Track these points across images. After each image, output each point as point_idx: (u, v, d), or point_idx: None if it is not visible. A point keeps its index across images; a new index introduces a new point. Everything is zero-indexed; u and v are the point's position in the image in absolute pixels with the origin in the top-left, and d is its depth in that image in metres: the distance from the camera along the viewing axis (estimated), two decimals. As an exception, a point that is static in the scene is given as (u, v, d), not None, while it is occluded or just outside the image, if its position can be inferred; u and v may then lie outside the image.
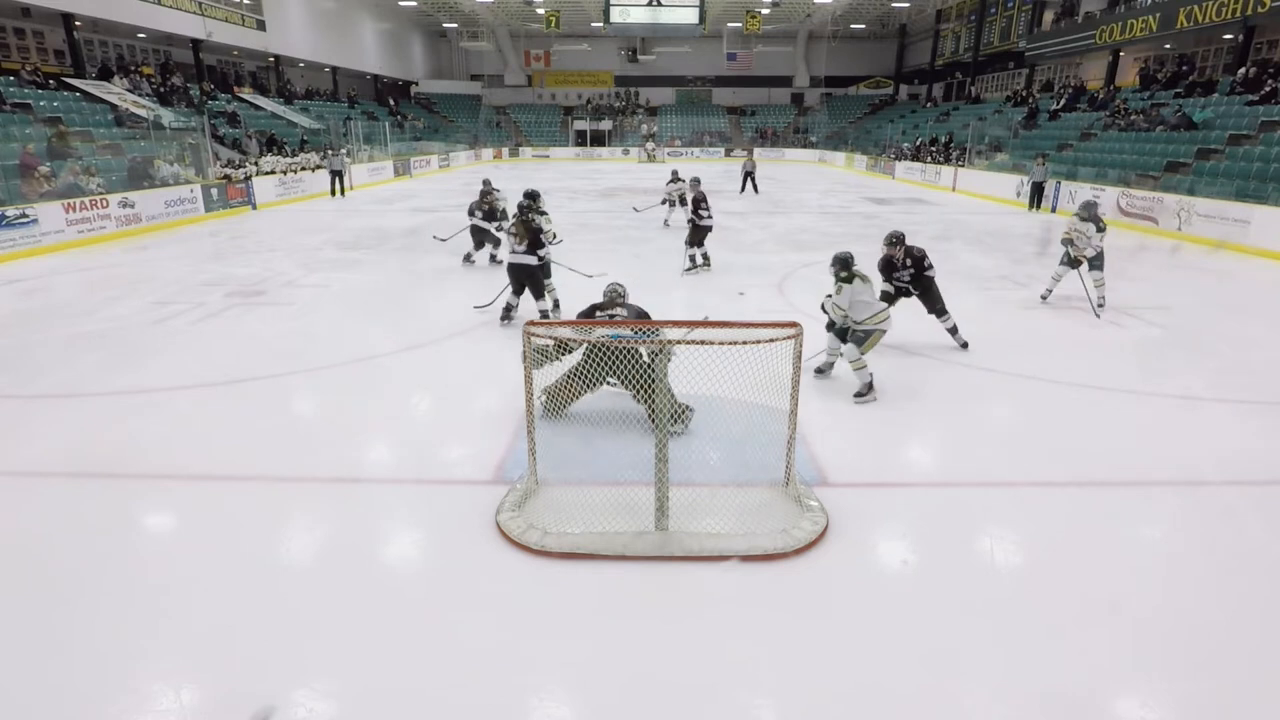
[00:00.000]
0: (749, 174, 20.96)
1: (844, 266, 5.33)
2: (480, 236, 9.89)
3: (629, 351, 4.06)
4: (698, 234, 9.80)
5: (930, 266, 6.17)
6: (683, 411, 4.49)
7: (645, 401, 4.30)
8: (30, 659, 2.76)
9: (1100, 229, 7.49)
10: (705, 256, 9.94)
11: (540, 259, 6.68)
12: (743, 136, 40.49)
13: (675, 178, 14.56)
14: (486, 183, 9.85)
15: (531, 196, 7.18)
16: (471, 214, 9.84)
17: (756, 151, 38.41)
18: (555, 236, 7.63)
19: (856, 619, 3.02)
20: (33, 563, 3.36)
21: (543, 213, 7.78)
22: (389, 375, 5.88)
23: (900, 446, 4.56)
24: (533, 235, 6.59)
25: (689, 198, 9.85)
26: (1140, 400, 5.36)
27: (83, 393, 5.42)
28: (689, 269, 9.79)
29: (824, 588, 3.21)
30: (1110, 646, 2.85)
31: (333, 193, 19.60)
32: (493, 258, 10.19)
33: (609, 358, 4.15)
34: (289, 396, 5.49)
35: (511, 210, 8.56)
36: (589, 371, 4.41)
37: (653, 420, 4.25)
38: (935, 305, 6.27)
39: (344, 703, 2.57)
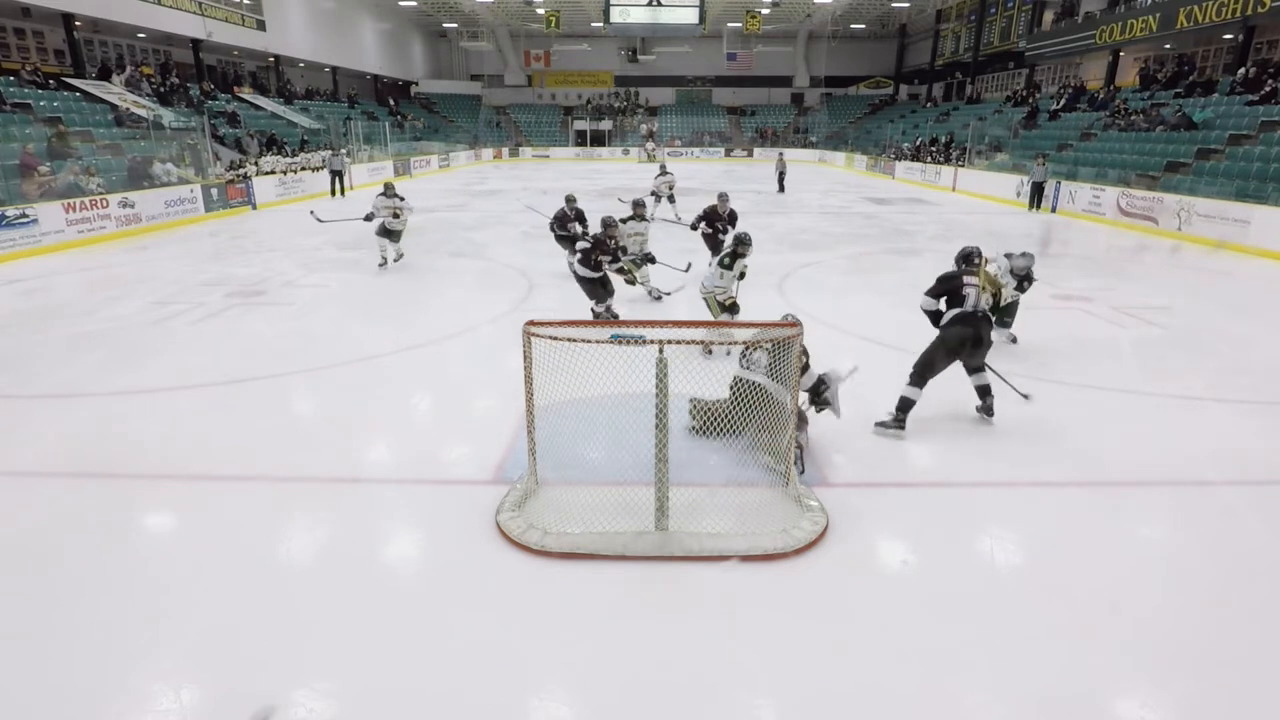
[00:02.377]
0: (782, 174, 21.80)
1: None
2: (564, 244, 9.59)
3: (766, 396, 4.07)
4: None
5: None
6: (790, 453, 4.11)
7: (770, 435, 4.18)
8: (30, 659, 2.76)
9: (1022, 289, 6.45)
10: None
11: (593, 272, 6.78)
12: (743, 136, 40.49)
13: (664, 170, 14.53)
14: (569, 197, 9.48)
15: (608, 227, 6.94)
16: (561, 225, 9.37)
17: (757, 151, 38.51)
18: (631, 262, 7.54)
19: (856, 619, 3.03)
20: (32, 563, 3.36)
21: (643, 217, 8.06)
22: (389, 375, 5.88)
23: (900, 446, 4.56)
24: (600, 250, 6.81)
25: (723, 213, 9.15)
26: (1140, 400, 5.36)
27: (83, 393, 5.42)
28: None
29: (824, 588, 3.21)
30: (1110, 646, 2.85)
31: (333, 193, 19.61)
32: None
33: (752, 401, 4.01)
34: (289, 396, 5.49)
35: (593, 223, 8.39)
36: (737, 412, 4.13)
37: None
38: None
39: (344, 703, 2.57)
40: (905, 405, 4.71)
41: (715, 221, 9.14)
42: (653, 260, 7.69)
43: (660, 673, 2.72)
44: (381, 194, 9.93)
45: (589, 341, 3.40)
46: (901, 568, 3.42)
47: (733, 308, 6.19)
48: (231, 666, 2.72)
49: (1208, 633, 2.94)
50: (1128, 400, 5.35)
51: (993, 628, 2.96)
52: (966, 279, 4.80)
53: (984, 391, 4.90)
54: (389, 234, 9.84)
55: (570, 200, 9.31)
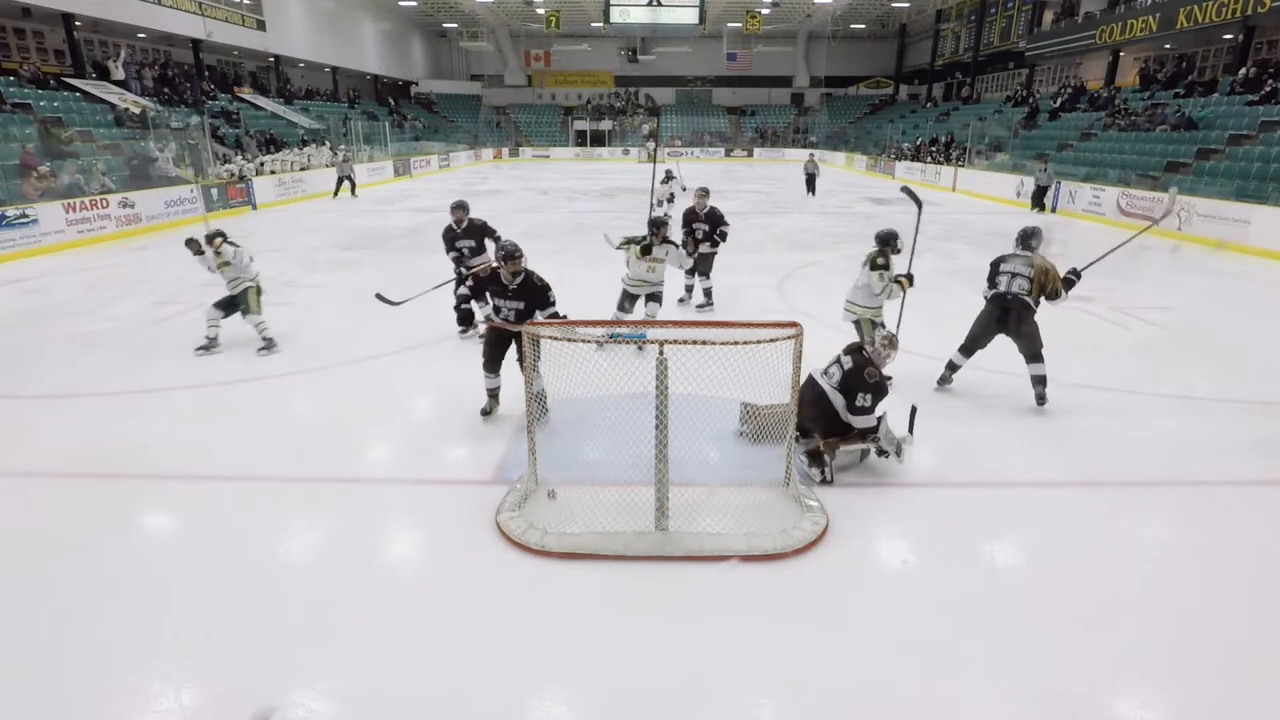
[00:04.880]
0: (811, 176, 20.56)
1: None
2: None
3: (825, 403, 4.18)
4: (701, 262, 7.61)
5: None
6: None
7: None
8: (30, 659, 2.76)
9: None
10: (707, 293, 7.84)
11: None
12: (743, 137, 40.48)
13: (669, 176, 14.20)
14: (458, 205, 6.85)
15: (508, 258, 4.71)
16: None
17: (758, 151, 38.41)
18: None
19: (856, 619, 3.03)
20: (32, 563, 3.36)
21: (667, 239, 6.03)
22: (389, 375, 5.87)
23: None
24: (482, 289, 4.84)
25: (700, 212, 7.61)
26: (1140, 400, 5.36)
27: (83, 393, 5.42)
28: (684, 300, 8.07)
29: (824, 588, 3.21)
30: (1110, 646, 2.85)
31: (336, 193, 19.55)
32: None
33: (815, 406, 4.18)
34: (289, 396, 5.49)
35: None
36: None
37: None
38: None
39: (344, 703, 2.57)
40: (950, 365, 5.34)
41: (692, 222, 7.59)
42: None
43: (660, 673, 2.72)
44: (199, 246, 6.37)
45: (589, 341, 3.41)
46: (901, 568, 3.42)
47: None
48: (231, 666, 2.72)
49: (1207, 633, 2.94)
50: (1128, 400, 5.36)
51: (992, 627, 2.96)
52: (1002, 266, 5.11)
53: (1036, 381, 5.09)
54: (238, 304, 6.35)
55: (458, 208, 6.74)
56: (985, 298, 5.20)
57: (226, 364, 6.05)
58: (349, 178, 19.73)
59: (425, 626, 2.95)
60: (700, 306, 7.80)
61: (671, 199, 14.10)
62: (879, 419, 4.16)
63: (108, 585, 3.19)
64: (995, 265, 5.18)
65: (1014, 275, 4.99)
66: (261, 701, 2.53)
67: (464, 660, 2.77)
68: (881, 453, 4.21)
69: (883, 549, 3.56)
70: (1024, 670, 2.73)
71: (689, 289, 8.02)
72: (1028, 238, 5.14)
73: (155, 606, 3.05)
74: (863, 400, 4.08)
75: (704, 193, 7.69)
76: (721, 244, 7.58)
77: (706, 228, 7.47)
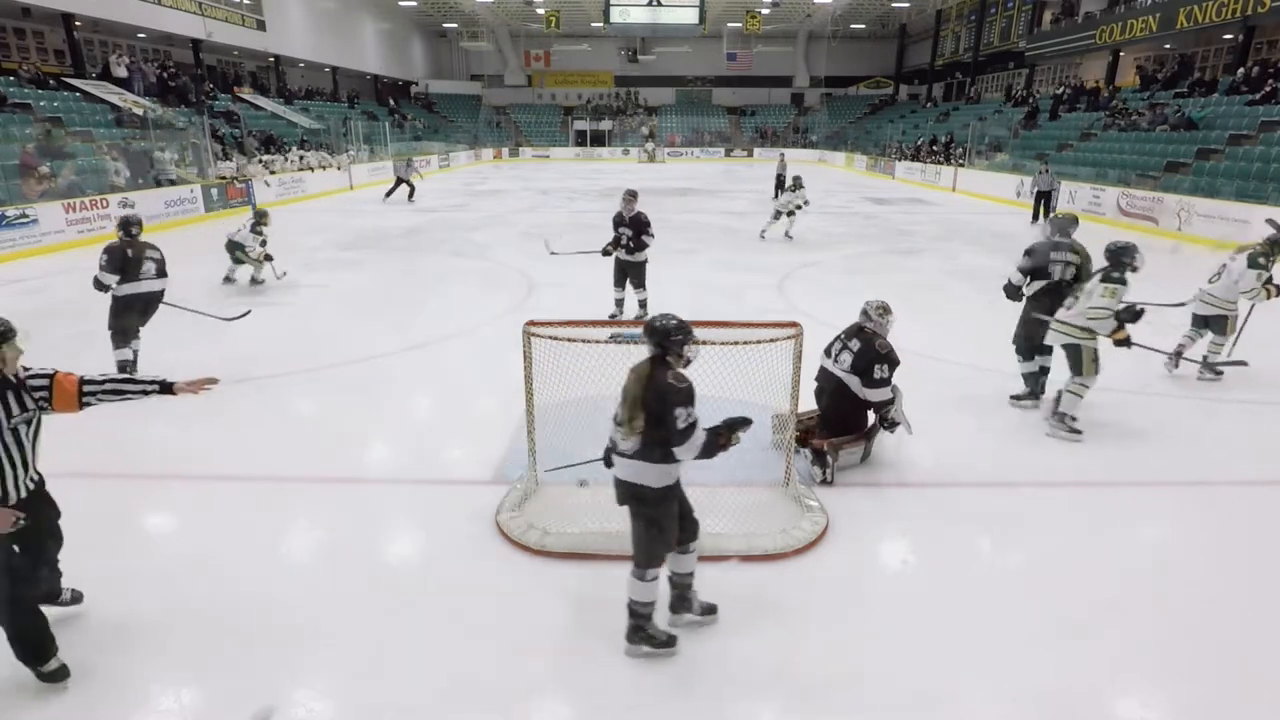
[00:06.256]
0: (781, 178, 18.21)
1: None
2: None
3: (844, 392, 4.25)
4: (632, 271, 7.10)
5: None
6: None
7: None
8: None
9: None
10: (641, 304, 7.20)
11: None
12: (743, 137, 40.48)
13: (798, 184, 13.07)
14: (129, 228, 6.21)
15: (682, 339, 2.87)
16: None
17: (757, 151, 38.38)
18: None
19: (856, 619, 3.03)
20: (33, 563, 3.36)
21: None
22: (389, 375, 5.88)
23: (900, 447, 4.55)
24: None
25: (626, 216, 6.92)
26: (1141, 400, 5.36)
27: (83, 393, 5.40)
28: (615, 315, 7.27)
29: (824, 588, 3.21)
30: (1109, 647, 2.86)
31: (410, 196, 18.88)
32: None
33: (829, 394, 4.33)
34: (289, 396, 5.49)
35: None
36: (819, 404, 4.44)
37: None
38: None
39: (344, 703, 2.57)
40: (1030, 378, 5.23)
41: (619, 226, 6.95)
42: None
43: (660, 672, 2.73)
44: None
45: (589, 341, 3.41)
46: (901, 568, 3.43)
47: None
48: (232, 666, 2.72)
49: (1207, 633, 2.94)
50: (1128, 400, 5.35)
51: (992, 627, 2.97)
52: (1053, 255, 5.03)
53: (1042, 371, 5.19)
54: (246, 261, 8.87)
55: (127, 231, 5.65)
56: (1029, 292, 5.11)
57: (226, 364, 6.05)
58: (408, 181, 19.02)
59: (425, 626, 2.95)
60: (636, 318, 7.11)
61: (794, 212, 12.86)
62: (893, 390, 4.18)
63: (107, 585, 3.18)
64: (1039, 256, 5.01)
65: (1066, 263, 4.99)
66: (261, 701, 2.53)
67: (464, 660, 2.77)
68: (891, 425, 4.21)
69: (883, 549, 3.56)
70: (1024, 670, 2.73)
71: (619, 303, 7.26)
72: (1066, 226, 5.17)
73: (155, 606, 3.05)
74: (880, 372, 4.09)
75: (632, 196, 6.98)
76: (642, 252, 6.97)
77: (630, 233, 6.85)
